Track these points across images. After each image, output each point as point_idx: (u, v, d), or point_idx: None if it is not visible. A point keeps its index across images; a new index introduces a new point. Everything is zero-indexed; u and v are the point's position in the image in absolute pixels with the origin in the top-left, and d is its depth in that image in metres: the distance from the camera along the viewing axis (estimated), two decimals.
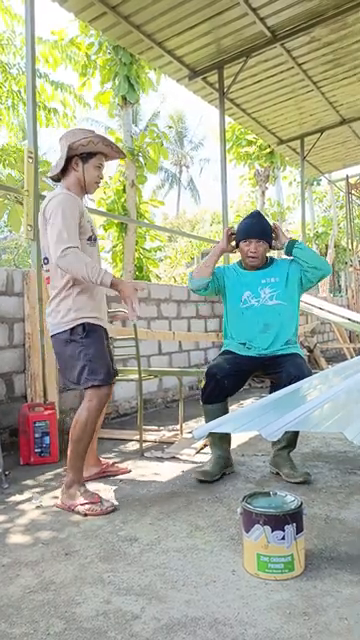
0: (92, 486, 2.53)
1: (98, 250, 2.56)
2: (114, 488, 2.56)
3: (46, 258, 2.43)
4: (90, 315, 2.38)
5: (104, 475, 2.75)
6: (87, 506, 2.23)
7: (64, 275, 2.34)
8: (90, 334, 2.35)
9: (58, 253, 2.22)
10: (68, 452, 2.34)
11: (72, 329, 2.35)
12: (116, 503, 2.33)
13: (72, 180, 2.46)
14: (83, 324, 2.34)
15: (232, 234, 2.89)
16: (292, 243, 2.78)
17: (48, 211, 2.33)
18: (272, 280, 2.75)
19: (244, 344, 2.73)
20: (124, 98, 8.09)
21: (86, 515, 2.20)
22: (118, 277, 2.31)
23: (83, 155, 2.43)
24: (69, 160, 2.44)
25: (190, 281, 2.90)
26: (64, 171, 2.46)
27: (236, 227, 2.88)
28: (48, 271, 2.44)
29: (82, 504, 2.24)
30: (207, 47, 5.61)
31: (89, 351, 2.33)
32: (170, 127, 30.40)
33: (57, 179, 2.52)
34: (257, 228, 2.77)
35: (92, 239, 2.46)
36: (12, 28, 9.05)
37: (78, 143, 2.40)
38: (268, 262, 2.85)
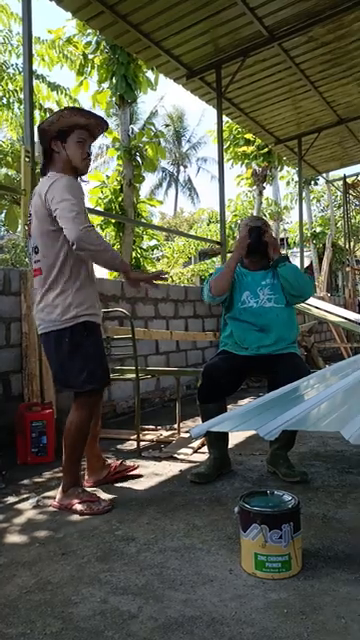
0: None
1: None
2: (111, 487, 2.56)
3: (37, 247, 2.23)
4: (91, 312, 2.24)
5: (115, 477, 2.62)
6: (85, 505, 2.19)
7: (63, 265, 2.18)
8: (91, 333, 2.23)
9: (80, 228, 2.01)
10: (63, 458, 2.29)
11: (72, 327, 2.18)
12: (113, 502, 2.31)
13: (59, 165, 2.27)
14: (85, 322, 2.20)
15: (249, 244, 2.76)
16: (279, 260, 2.73)
17: (53, 191, 2.11)
18: (271, 282, 2.75)
19: (241, 344, 2.73)
20: (122, 97, 8.09)
21: (83, 514, 2.17)
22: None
23: (60, 133, 2.25)
24: (49, 146, 2.27)
25: (209, 297, 2.82)
26: (50, 161, 2.29)
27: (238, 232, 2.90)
28: (38, 262, 2.24)
29: (79, 502, 2.21)
30: (205, 46, 5.61)
31: (89, 352, 2.20)
32: (167, 126, 30.39)
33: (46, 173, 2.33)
34: (258, 219, 2.92)
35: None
36: (9, 27, 9.03)
37: (48, 122, 2.24)
38: (269, 264, 2.83)
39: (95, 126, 2.33)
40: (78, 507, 2.20)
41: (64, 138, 2.26)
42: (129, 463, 2.79)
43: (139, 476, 2.71)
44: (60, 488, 2.32)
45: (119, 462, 2.75)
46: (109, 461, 2.72)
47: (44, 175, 2.30)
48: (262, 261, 2.83)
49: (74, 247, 2.09)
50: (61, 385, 2.38)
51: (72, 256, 2.20)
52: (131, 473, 2.71)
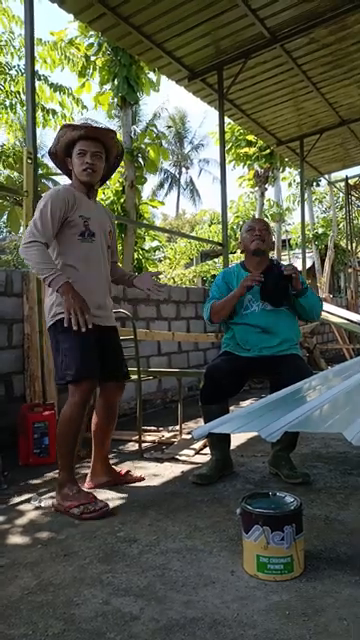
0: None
1: (100, 247, 2.48)
2: (112, 489, 2.56)
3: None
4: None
5: (115, 485, 2.58)
6: (81, 507, 2.17)
7: None
8: (67, 329, 2.23)
9: (21, 247, 2.27)
10: (57, 452, 2.34)
11: (54, 324, 2.34)
12: (111, 504, 2.29)
13: (73, 179, 2.48)
14: (61, 319, 2.27)
15: (250, 286, 2.68)
16: (302, 292, 2.69)
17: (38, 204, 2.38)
18: None
19: (244, 345, 2.73)
20: (123, 99, 8.10)
21: (82, 517, 2.14)
22: (69, 287, 2.20)
23: (66, 151, 2.42)
24: (65, 166, 2.48)
25: (209, 320, 2.86)
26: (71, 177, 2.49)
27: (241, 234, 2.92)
28: None
29: (76, 505, 2.18)
30: (206, 48, 5.62)
31: (65, 345, 2.29)
32: (169, 127, 30.44)
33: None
34: (260, 221, 2.92)
35: (86, 235, 2.40)
36: (10, 29, 9.07)
37: (53, 147, 2.45)
38: (271, 266, 2.83)
39: (94, 134, 2.39)
40: (75, 510, 2.17)
41: (70, 154, 2.42)
42: (136, 474, 2.70)
43: (141, 479, 2.69)
44: (56, 485, 2.32)
45: (125, 471, 2.68)
46: (117, 468, 2.70)
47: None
48: (264, 263, 2.82)
49: None
50: (56, 379, 2.47)
51: (60, 259, 2.38)
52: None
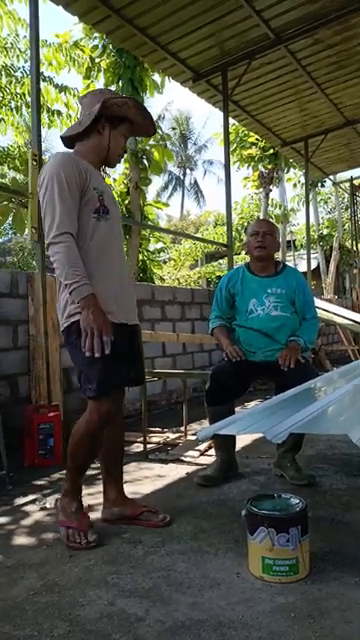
0: (86, 495, 2.41)
1: (115, 226, 2.08)
2: None
3: None
4: None
5: (131, 524, 2.11)
6: (69, 531, 1.95)
7: None
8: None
9: (48, 239, 1.87)
10: (67, 463, 2.07)
11: (68, 327, 1.95)
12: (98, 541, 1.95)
13: (91, 145, 2.04)
14: (77, 322, 1.90)
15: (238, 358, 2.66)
16: (304, 349, 2.70)
17: (41, 178, 1.93)
18: (277, 291, 2.72)
19: (249, 348, 2.72)
20: None
21: (66, 541, 1.93)
22: (92, 301, 1.85)
23: (114, 119, 2.03)
24: (95, 121, 1.99)
25: (211, 333, 2.93)
26: (83, 133, 2.02)
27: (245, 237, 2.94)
28: None
29: (67, 526, 1.97)
30: (211, 49, 5.61)
31: (83, 354, 1.89)
32: (174, 129, 30.45)
33: (69, 144, 2.09)
34: (265, 223, 2.91)
35: (101, 212, 1.98)
36: (16, 32, 9.10)
37: (114, 102, 1.99)
38: (277, 270, 2.82)
39: (140, 130, 2.17)
40: (62, 532, 1.98)
41: (116, 125, 2.05)
42: (130, 467, 2.45)
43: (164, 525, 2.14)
44: (62, 490, 2.11)
45: (146, 509, 2.15)
46: (134, 501, 2.24)
47: (66, 139, 2.10)
48: (270, 267, 2.81)
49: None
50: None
51: (83, 243, 1.95)
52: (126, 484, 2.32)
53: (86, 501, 2.22)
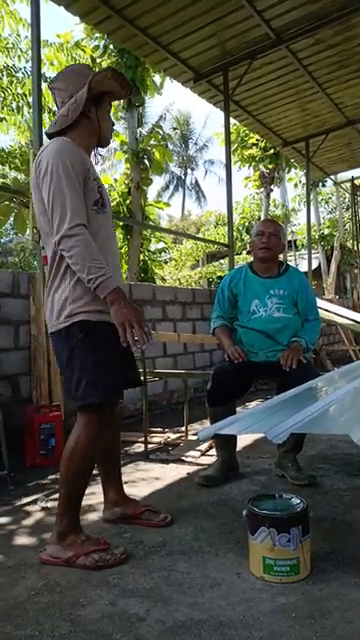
0: (88, 494, 2.22)
1: (110, 221, 1.97)
2: None
3: (38, 229, 1.92)
4: (90, 308, 1.77)
5: (132, 523, 2.08)
6: (96, 556, 1.74)
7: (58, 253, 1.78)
8: (90, 335, 1.76)
9: (61, 232, 1.69)
10: (59, 492, 1.85)
11: (67, 328, 1.78)
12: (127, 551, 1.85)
13: (82, 132, 1.88)
14: (80, 322, 1.76)
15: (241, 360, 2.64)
16: (306, 350, 2.71)
17: (42, 166, 1.76)
18: (280, 292, 2.72)
19: (251, 349, 2.72)
20: (129, 100, 8.11)
21: (97, 568, 1.72)
22: (120, 294, 1.72)
23: (96, 97, 1.86)
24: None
25: (212, 333, 2.92)
26: (72, 123, 1.86)
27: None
28: (44, 248, 1.91)
29: (87, 553, 1.74)
30: (212, 49, 5.62)
31: (87, 357, 1.76)
32: (175, 129, 30.44)
33: (52, 137, 1.90)
34: (271, 224, 2.90)
35: (100, 204, 1.85)
36: (17, 32, 9.12)
37: (96, 79, 1.83)
38: (280, 271, 2.82)
39: (119, 94, 1.99)
40: (88, 560, 1.73)
41: (99, 103, 1.89)
42: (128, 468, 2.43)
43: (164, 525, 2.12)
44: (53, 536, 1.82)
45: (147, 509, 2.12)
46: (133, 499, 2.21)
47: (50, 135, 1.91)
48: (273, 268, 2.81)
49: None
50: (67, 395, 2.03)
51: None
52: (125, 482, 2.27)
53: (87, 500, 2.21)
